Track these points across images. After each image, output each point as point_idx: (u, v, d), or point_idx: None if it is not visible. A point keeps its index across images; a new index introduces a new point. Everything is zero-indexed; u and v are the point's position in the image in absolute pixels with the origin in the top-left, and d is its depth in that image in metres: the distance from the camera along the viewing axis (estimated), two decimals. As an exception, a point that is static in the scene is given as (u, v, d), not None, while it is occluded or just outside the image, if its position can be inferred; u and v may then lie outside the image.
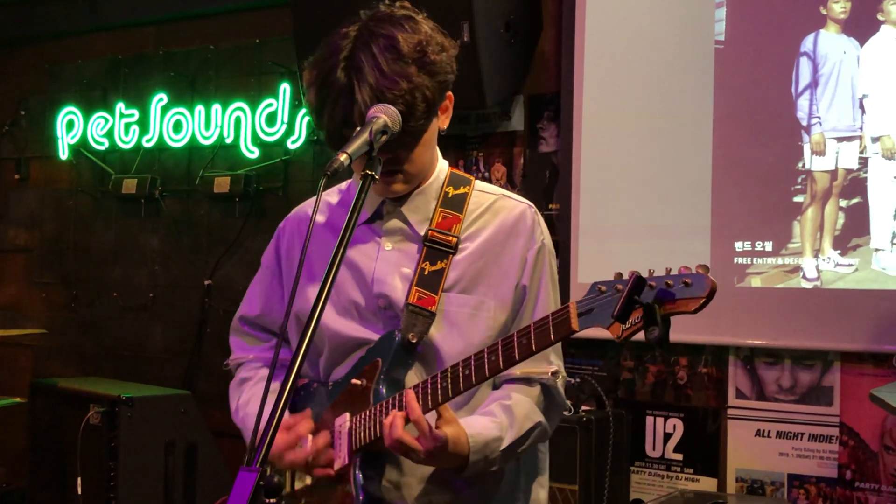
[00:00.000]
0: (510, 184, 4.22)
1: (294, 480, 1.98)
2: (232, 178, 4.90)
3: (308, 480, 1.96)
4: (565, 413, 3.59)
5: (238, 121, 4.92)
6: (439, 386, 1.79)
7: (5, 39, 5.83)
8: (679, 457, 3.81)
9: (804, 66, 3.56)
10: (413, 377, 1.91)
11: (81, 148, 5.46)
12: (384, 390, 1.87)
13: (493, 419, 1.85)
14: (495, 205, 2.00)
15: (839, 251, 3.48)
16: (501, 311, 1.94)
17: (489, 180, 4.24)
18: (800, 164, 3.56)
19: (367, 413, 1.86)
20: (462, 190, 2.00)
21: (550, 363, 1.95)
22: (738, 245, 3.64)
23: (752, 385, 3.68)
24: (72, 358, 5.52)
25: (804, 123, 3.56)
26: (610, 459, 3.60)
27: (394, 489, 1.90)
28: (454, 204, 1.98)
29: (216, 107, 4.99)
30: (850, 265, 3.46)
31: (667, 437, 3.83)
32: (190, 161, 5.15)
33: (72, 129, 5.48)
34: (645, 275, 1.57)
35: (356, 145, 1.67)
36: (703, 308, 1.53)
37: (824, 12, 3.54)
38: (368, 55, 1.80)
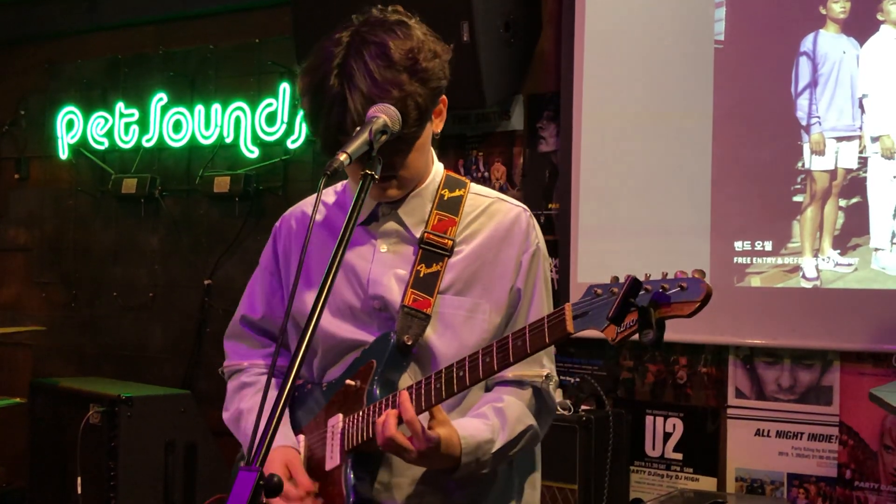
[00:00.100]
0: (510, 183, 4.23)
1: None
2: (232, 178, 4.90)
3: None
4: (565, 413, 3.61)
5: (238, 120, 4.92)
6: (433, 387, 1.79)
7: (5, 39, 5.83)
8: (679, 456, 3.81)
9: (804, 65, 3.57)
10: (407, 379, 1.91)
11: (81, 147, 5.46)
12: (378, 391, 1.88)
13: (485, 421, 1.86)
14: (490, 208, 2.01)
15: (839, 251, 3.48)
16: (496, 314, 1.95)
17: (489, 180, 4.24)
18: (799, 164, 3.56)
19: (360, 414, 1.86)
20: (457, 192, 2.01)
21: (543, 366, 1.96)
22: (738, 245, 3.64)
23: (751, 385, 3.68)
24: (71, 358, 5.52)
25: (804, 123, 3.56)
26: (609, 459, 3.61)
27: (385, 490, 1.90)
28: (450, 206, 1.98)
29: (216, 106, 4.99)
30: (849, 265, 3.46)
31: (666, 436, 3.83)
32: (190, 161, 5.15)
33: (72, 128, 5.48)
34: (641, 278, 1.58)
35: (356, 145, 1.67)
36: (698, 312, 1.54)
37: (824, 12, 3.54)
38: (360, 62, 1.80)
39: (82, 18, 5.52)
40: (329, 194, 2.11)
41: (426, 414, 1.79)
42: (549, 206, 4.11)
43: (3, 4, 5.75)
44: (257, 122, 4.85)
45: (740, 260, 3.64)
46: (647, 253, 3.73)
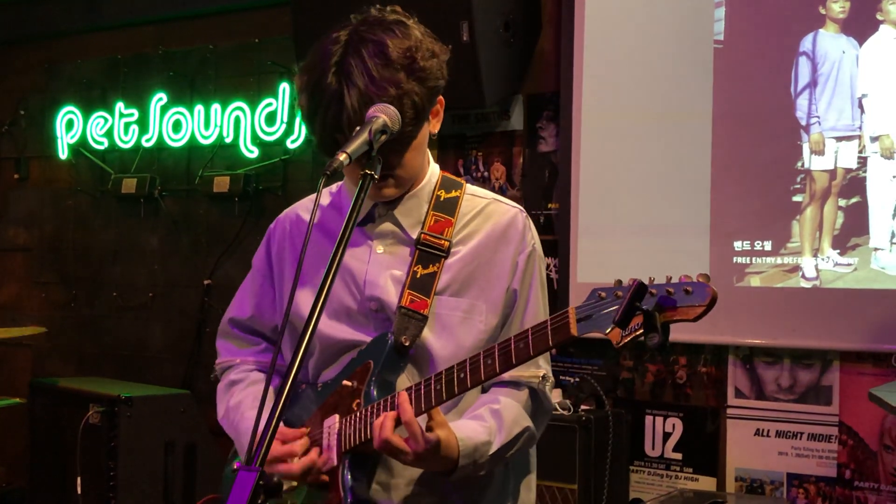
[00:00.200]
0: (509, 183, 4.23)
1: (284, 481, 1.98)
2: (231, 178, 4.90)
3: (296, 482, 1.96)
4: (565, 413, 3.61)
5: (237, 120, 4.92)
6: (433, 388, 1.79)
7: (5, 39, 5.83)
8: (678, 456, 3.81)
9: (803, 65, 3.57)
10: (404, 380, 1.91)
11: (81, 147, 5.46)
12: (375, 392, 1.87)
13: (482, 424, 1.86)
14: (487, 209, 2.01)
15: (838, 251, 3.48)
16: (492, 315, 1.94)
17: (488, 180, 4.24)
18: (799, 164, 3.56)
19: (358, 415, 1.86)
20: (454, 193, 2.01)
21: (539, 367, 1.96)
22: (738, 244, 3.64)
23: (751, 384, 3.68)
24: (71, 357, 5.52)
25: (803, 123, 3.56)
26: (609, 459, 3.61)
27: (382, 490, 1.90)
28: (446, 207, 1.98)
29: (216, 106, 4.99)
30: (849, 265, 3.46)
31: (666, 436, 3.83)
32: (189, 160, 5.15)
33: (71, 128, 5.48)
34: (645, 281, 1.58)
35: (356, 145, 1.67)
36: (704, 316, 1.55)
37: (823, 12, 3.54)
38: (358, 61, 1.80)
39: (82, 18, 5.52)
40: (324, 196, 2.10)
41: (424, 416, 1.79)
42: (549, 206, 4.11)
43: (3, 4, 5.75)
44: (257, 122, 4.85)
45: (740, 260, 3.64)
46: (646, 253, 3.73)
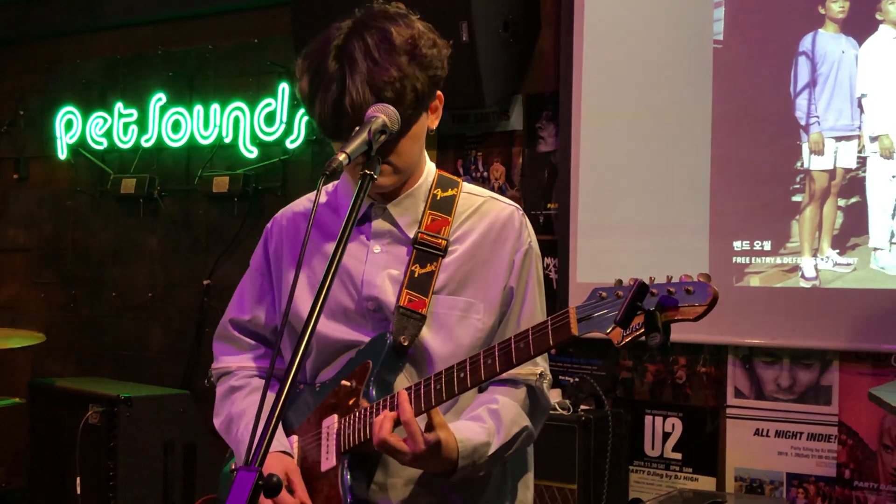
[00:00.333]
0: (508, 183, 4.23)
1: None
2: (231, 178, 4.90)
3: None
4: (564, 413, 3.61)
5: (237, 120, 4.92)
6: (433, 388, 1.78)
7: (4, 39, 5.82)
8: (678, 456, 3.81)
9: (803, 65, 3.57)
10: (403, 380, 1.91)
11: (80, 148, 5.46)
12: (374, 392, 1.87)
13: (481, 424, 1.85)
14: (483, 207, 2.01)
15: (838, 250, 3.48)
16: (490, 313, 1.94)
17: (488, 180, 4.24)
18: (798, 164, 3.56)
19: (357, 415, 1.86)
20: (450, 192, 2.01)
21: (536, 364, 1.95)
22: (737, 244, 3.64)
23: (750, 384, 3.68)
24: (71, 358, 5.52)
25: (803, 123, 3.56)
26: (609, 459, 3.60)
27: (380, 490, 1.90)
28: (443, 206, 1.98)
29: (215, 106, 4.99)
30: (848, 264, 3.46)
31: (666, 436, 3.83)
32: (189, 161, 5.15)
33: (70, 128, 5.48)
34: (646, 281, 1.58)
35: (355, 145, 1.67)
36: (705, 316, 1.55)
37: (823, 12, 3.54)
38: (361, 44, 1.82)
39: (81, 18, 5.52)
40: (320, 195, 2.10)
41: (424, 417, 1.78)
42: (548, 205, 4.11)
43: (3, 4, 5.75)
44: (256, 122, 4.85)
45: (739, 259, 3.64)
46: (646, 253, 3.73)
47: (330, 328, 1.96)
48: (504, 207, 2.01)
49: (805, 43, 3.56)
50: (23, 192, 5.81)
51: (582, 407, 3.71)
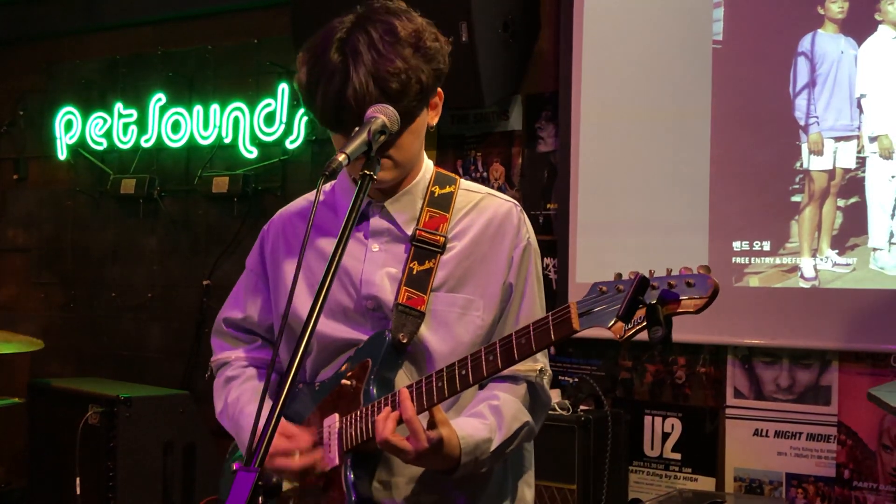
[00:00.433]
0: (508, 183, 4.23)
1: (283, 481, 1.98)
2: (230, 178, 4.90)
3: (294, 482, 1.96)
4: (564, 413, 3.61)
5: (236, 121, 4.92)
6: (434, 386, 1.79)
7: (4, 39, 5.82)
8: (677, 456, 3.81)
9: (802, 65, 3.57)
10: (403, 377, 1.91)
11: (80, 148, 5.46)
12: (375, 391, 1.87)
13: (482, 421, 1.86)
14: (481, 203, 2.01)
15: (837, 251, 3.49)
16: (489, 310, 1.95)
17: (487, 180, 4.24)
18: (798, 164, 3.56)
19: (358, 413, 1.86)
20: (448, 189, 2.00)
21: (536, 360, 1.95)
22: (736, 244, 3.65)
23: (750, 384, 3.68)
24: (70, 358, 5.52)
25: (802, 123, 3.56)
26: (608, 459, 3.61)
27: (383, 489, 1.90)
28: (441, 203, 1.98)
29: (214, 107, 4.99)
30: (847, 265, 3.46)
31: (665, 436, 3.84)
32: (188, 161, 5.15)
33: (70, 128, 5.48)
34: (646, 275, 1.58)
35: (354, 145, 1.67)
36: (706, 308, 1.54)
37: (822, 12, 3.54)
38: (365, 36, 1.82)
39: (81, 19, 5.51)
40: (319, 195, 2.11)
41: (426, 413, 1.79)
42: (548, 206, 4.11)
43: (2, 4, 5.74)
44: (256, 123, 4.85)
45: (739, 260, 3.64)
46: (645, 253, 3.73)
47: (329, 327, 1.96)
48: (502, 203, 2.01)
49: (804, 43, 3.57)
50: (22, 193, 5.81)
51: (581, 407, 3.71)
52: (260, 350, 2.14)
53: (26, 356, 5.57)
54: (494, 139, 4.27)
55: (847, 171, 3.48)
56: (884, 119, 3.43)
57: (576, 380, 3.95)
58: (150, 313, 5.26)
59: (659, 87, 3.82)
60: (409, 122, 1.86)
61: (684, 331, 3.40)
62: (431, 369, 1.86)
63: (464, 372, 1.77)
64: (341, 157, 1.63)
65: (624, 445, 3.77)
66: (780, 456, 3.61)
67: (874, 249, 3.43)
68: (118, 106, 5.32)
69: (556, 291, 3.90)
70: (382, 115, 1.74)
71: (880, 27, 3.45)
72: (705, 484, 3.74)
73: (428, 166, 2.03)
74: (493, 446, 1.85)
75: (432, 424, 1.76)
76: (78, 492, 4.39)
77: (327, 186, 2.10)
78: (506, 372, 1.87)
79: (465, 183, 2.05)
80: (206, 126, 5.02)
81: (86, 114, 5.43)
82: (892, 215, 3.41)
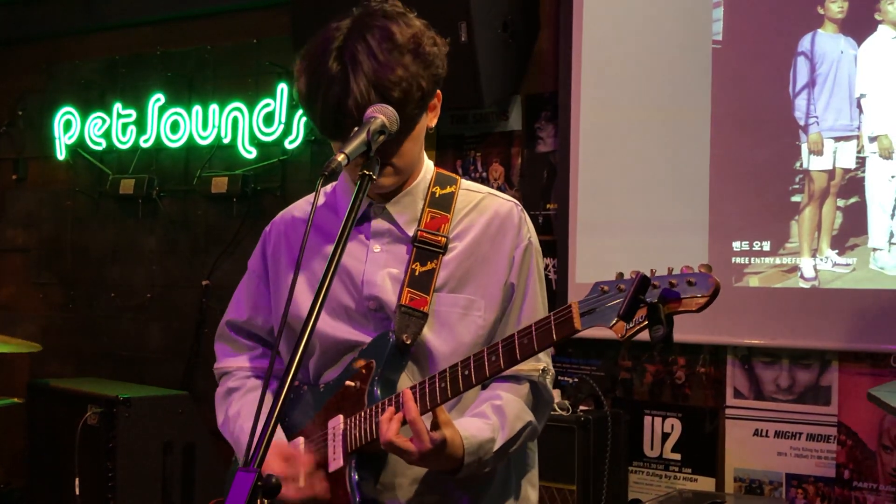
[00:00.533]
0: (508, 184, 4.22)
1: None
2: (229, 179, 4.90)
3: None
4: (563, 413, 3.61)
5: (235, 121, 4.92)
6: (437, 386, 1.79)
7: (3, 39, 5.82)
8: (677, 456, 3.81)
9: (801, 65, 3.57)
10: (406, 378, 1.91)
11: (79, 148, 5.46)
12: (378, 392, 1.87)
13: (485, 421, 1.86)
14: (482, 203, 2.00)
15: (837, 251, 3.48)
16: (491, 310, 1.94)
17: (487, 180, 4.24)
18: (797, 164, 3.56)
19: (363, 414, 1.86)
20: (449, 189, 2.00)
21: (539, 360, 1.95)
22: (736, 245, 3.64)
23: (750, 385, 3.68)
24: (69, 358, 5.52)
25: (802, 123, 3.56)
26: (608, 459, 3.61)
27: (387, 490, 1.90)
28: (441, 204, 1.98)
29: (214, 107, 4.99)
30: (847, 265, 3.46)
31: (665, 436, 3.83)
32: (187, 161, 5.15)
33: (69, 129, 5.48)
34: (647, 274, 1.58)
35: (354, 146, 1.67)
36: (707, 307, 1.54)
37: (822, 12, 3.54)
38: (363, 44, 1.81)
39: (80, 19, 5.51)
40: (319, 196, 2.10)
41: (429, 414, 1.78)
42: (548, 206, 4.11)
43: (2, 4, 5.74)
44: (255, 123, 4.85)
45: (738, 260, 3.64)
46: (645, 253, 3.73)
47: (332, 328, 1.96)
48: (503, 203, 2.01)
49: (804, 43, 3.57)
50: (22, 193, 5.81)
51: (581, 407, 3.71)
52: (262, 359, 2.13)
53: (26, 356, 5.57)
54: (494, 139, 4.27)
55: (847, 171, 3.48)
56: (884, 119, 3.43)
57: (575, 380, 3.94)
58: (149, 313, 5.26)
59: (658, 87, 3.82)
60: (409, 129, 1.86)
61: (684, 331, 3.39)
62: (433, 370, 1.86)
63: (466, 372, 1.77)
64: (340, 157, 1.63)
65: (624, 446, 3.76)
66: (780, 456, 3.61)
67: (874, 249, 3.43)
68: (117, 106, 5.32)
69: (555, 291, 3.90)
70: (382, 114, 1.74)
71: (880, 27, 3.45)
72: (705, 484, 3.74)
73: (428, 167, 2.02)
74: (497, 446, 1.85)
75: (436, 425, 1.76)
76: (77, 492, 4.39)
77: (328, 188, 2.10)
78: (508, 372, 1.87)
79: (465, 183, 2.05)
80: (205, 126, 5.02)
81: (85, 114, 5.43)
82: (892, 215, 3.40)
